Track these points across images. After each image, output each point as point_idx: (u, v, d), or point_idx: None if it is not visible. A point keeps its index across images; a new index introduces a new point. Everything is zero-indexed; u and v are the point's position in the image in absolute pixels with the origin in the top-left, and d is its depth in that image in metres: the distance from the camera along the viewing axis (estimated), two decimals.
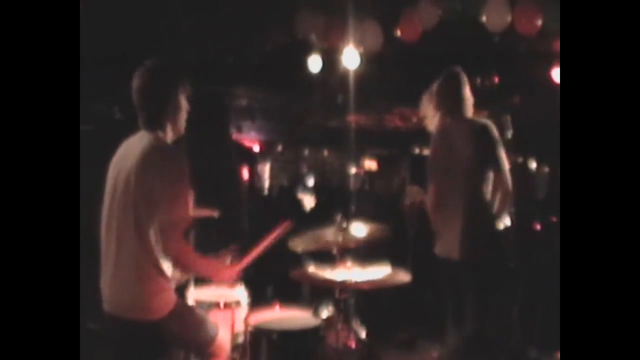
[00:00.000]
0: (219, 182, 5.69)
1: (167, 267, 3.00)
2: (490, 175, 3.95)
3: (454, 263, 3.92)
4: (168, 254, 2.95)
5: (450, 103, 4.08)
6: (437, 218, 4.04)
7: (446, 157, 4.00)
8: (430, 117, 4.17)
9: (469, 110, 4.08)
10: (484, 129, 3.97)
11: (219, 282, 3.20)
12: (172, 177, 2.90)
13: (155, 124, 3.05)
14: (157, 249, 2.93)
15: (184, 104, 3.14)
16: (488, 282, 3.91)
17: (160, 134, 3.04)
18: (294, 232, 3.71)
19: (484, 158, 3.93)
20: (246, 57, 6.68)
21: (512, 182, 3.96)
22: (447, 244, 3.98)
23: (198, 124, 5.54)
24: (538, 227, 6.31)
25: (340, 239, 3.64)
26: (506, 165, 3.96)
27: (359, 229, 3.68)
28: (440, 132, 4.08)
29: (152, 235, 2.91)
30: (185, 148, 3.04)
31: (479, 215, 3.93)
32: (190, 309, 3.24)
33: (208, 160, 5.76)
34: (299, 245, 3.69)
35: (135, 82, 3.05)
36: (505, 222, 4.07)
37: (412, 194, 4.27)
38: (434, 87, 4.16)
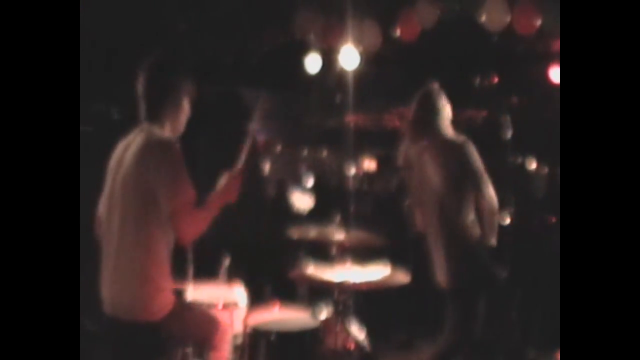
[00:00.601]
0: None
1: (167, 267, 3.01)
2: (473, 196, 3.86)
3: (441, 289, 3.95)
4: (187, 234, 2.94)
5: (422, 128, 3.98)
6: (429, 243, 4.03)
7: (420, 188, 3.95)
8: (408, 136, 4.10)
9: (444, 132, 3.95)
10: (457, 151, 3.85)
11: (234, 196, 3.16)
12: (169, 168, 2.90)
13: (155, 116, 3.06)
14: (158, 249, 2.94)
15: (185, 105, 3.14)
16: (475, 306, 3.89)
17: (158, 129, 3.03)
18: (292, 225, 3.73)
19: (459, 182, 3.84)
20: (245, 57, 6.67)
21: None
22: (436, 270, 3.98)
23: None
24: (537, 227, 6.30)
25: (337, 238, 3.64)
26: (488, 183, 3.85)
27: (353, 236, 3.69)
28: (414, 161, 4.02)
29: (153, 235, 2.91)
30: (184, 145, 3.03)
31: (459, 244, 3.87)
32: (189, 307, 3.25)
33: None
34: (295, 233, 3.70)
35: (142, 72, 3.08)
36: (495, 238, 3.95)
37: None
38: (410, 109, 4.06)
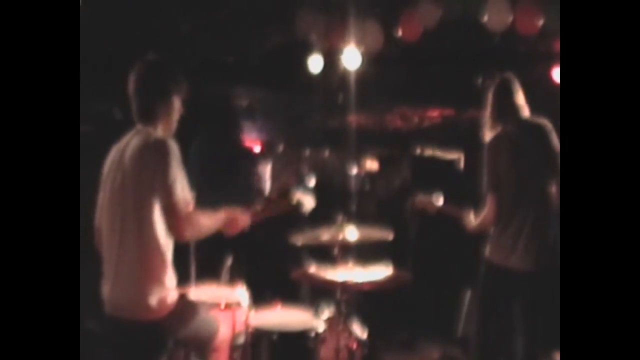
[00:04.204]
0: (225, 182, 5.70)
1: (169, 266, 3.01)
2: (555, 180, 3.77)
3: (522, 274, 3.80)
4: (182, 233, 3.00)
5: (505, 109, 3.97)
6: (501, 228, 3.89)
7: (512, 163, 3.85)
8: (487, 126, 4.04)
9: (525, 114, 3.97)
10: (548, 129, 3.84)
11: (233, 230, 3.31)
12: (165, 166, 2.91)
13: (147, 117, 3.08)
14: (160, 248, 2.94)
15: (177, 104, 3.16)
16: (552, 293, 3.77)
17: (151, 130, 3.05)
18: (295, 228, 3.73)
19: (545, 164, 3.79)
20: (246, 57, 6.68)
21: None
22: (516, 254, 3.82)
23: (207, 125, 5.56)
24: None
25: (340, 238, 3.64)
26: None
27: (356, 232, 3.67)
28: (501, 139, 3.94)
29: (155, 234, 2.92)
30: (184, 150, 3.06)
31: (547, 227, 3.80)
32: (191, 307, 3.24)
33: (215, 161, 5.79)
34: (299, 240, 3.69)
35: (132, 74, 3.10)
36: None
37: (424, 203, 4.23)
38: (488, 96, 4.06)
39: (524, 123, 3.96)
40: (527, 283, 3.80)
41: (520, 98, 3.99)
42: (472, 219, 4.03)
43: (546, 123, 3.90)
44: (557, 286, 3.58)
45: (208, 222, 3.13)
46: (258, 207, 3.41)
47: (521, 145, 3.88)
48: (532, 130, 3.92)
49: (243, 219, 3.34)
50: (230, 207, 3.31)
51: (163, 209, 2.92)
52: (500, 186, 3.85)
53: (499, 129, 3.97)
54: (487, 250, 3.95)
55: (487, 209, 3.90)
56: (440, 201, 4.18)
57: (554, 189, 3.79)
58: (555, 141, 3.81)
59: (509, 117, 3.96)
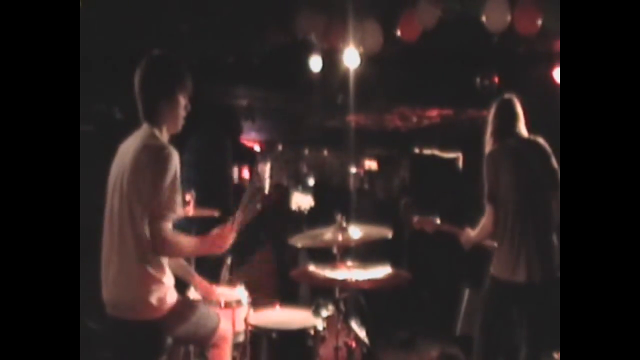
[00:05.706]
0: (219, 182, 5.72)
1: (167, 265, 3.01)
2: (555, 195, 3.82)
3: (523, 286, 3.79)
4: (160, 249, 2.91)
5: (505, 131, 4.04)
6: (503, 243, 3.91)
7: (513, 175, 3.90)
8: (488, 144, 4.11)
9: (523, 133, 4.05)
10: (541, 149, 3.94)
11: (216, 251, 3.17)
12: (154, 172, 2.87)
13: (151, 115, 3.05)
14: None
15: (183, 102, 3.13)
16: (554, 304, 3.78)
17: (156, 131, 3.04)
18: (294, 230, 3.73)
19: (544, 180, 3.86)
20: (246, 57, 6.67)
21: None
22: (519, 267, 3.81)
23: (203, 126, 5.57)
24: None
25: (339, 238, 3.64)
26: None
27: (356, 231, 3.68)
28: (502, 151, 4.00)
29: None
30: (181, 147, 3.04)
31: (547, 240, 3.75)
32: (191, 305, 3.24)
33: (209, 161, 5.81)
34: (298, 241, 3.70)
35: (137, 71, 3.08)
36: None
37: (422, 223, 4.32)
38: (489, 115, 4.13)
39: (525, 140, 4.03)
40: (530, 294, 3.82)
41: (520, 121, 4.06)
42: (470, 233, 4.12)
43: (544, 143, 3.96)
44: (558, 296, 3.62)
45: (188, 244, 3.03)
46: (234, 217, 3.25)
47: (522, 159, 3.94)
48: (533, 147, 3.98)
49: (228, 234, 3.16)
50: (207, 236, 3.15)
51: (147, 215, 2.88)
52: (500, 197, 3.90)
53: (503, 143, 4.02)
54: (492, 267, 3.97)
55: (486, 219, 3.97)
56: (437, 220, 4.28)
57: (554, 203, 3.83)
58: (554, 160, 3.87)
59: (510, 137, 4.02)
